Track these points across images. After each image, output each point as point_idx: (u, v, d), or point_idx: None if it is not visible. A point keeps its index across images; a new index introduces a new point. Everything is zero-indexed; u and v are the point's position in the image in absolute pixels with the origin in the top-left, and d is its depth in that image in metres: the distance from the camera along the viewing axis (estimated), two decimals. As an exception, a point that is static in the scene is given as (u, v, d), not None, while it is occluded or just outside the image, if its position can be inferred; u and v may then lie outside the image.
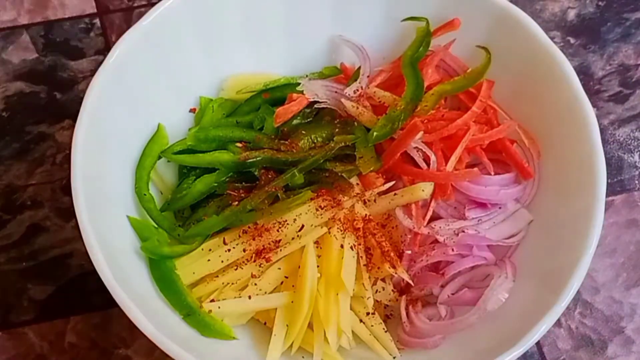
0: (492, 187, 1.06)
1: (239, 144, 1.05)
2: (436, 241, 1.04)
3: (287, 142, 1.05)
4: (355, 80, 1.10)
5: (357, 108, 1.06)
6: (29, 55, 1.31)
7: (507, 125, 1.07)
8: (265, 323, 1.02)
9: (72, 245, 1.16)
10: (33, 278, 1.15)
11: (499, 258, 1.05)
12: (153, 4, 1.02)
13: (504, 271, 1.02)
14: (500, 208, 1.06)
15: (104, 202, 0.95)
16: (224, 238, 1.00)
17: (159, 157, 1.05)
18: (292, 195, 1.01)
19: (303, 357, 1.00)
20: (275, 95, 1.12)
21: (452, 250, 1.02)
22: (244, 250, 0.99)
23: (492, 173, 1.06)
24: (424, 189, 1.02)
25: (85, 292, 1.13)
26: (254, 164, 1.03)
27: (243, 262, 1.00)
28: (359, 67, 1.11)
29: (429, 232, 1.03)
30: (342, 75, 1.15)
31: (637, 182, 1.26)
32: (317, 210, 1.01)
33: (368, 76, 1.10)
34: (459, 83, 1.09)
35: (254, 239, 0.99)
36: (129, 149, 1.03)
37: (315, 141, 1.06)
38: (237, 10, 1.08)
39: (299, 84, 1.11)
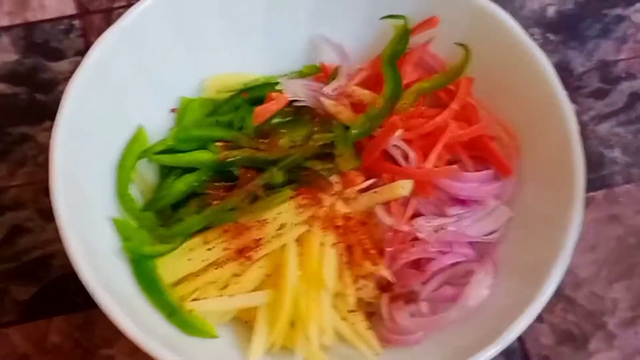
0: (472, 184, 1.06)
1: (219, 144, 1.05)
2: (417, 238, 1.04)
3: (266, 141, 1.05)
4: (335, 79, 1.10)
5: (337, 106, 1.06)
6: (10, 57, 1.31)
7: (486, 122, 1.07)
8: (247, 322, 1.02)
9: (54, 246, 1.16)
10: (15, 279, 1.14)
11: (479, 255, 1.05)
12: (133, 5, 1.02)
13: (484, 268, 1.02)
14: (480, 205, 1.07)
15: (84, 203, 0.95)
16: (204, 237, 1.00)
17: (140, 157, 1.05)
18: (272, 194, 1.02)
19: (286, 355, 1.00)
20: (255, 94, 1.11)
21: (433, 247, 1.03)
22: (225, 249, 0.99)
23: (472, 170, 1.07)
24: (404, 187, 1.02)
25: (68, 292, 1.13)
26: (233, 163, 1.03)
27: (224, 261, 0.99)
28: (338, 66, 1.11)
29: (409, 230, 1.03)
30: (321, 74, 1.15)
31: (617, 177, 1.27)
32: (297, 208, 1.01)
33: (347, 75, 1.11)
34: (438, 80, 1.09)
35: (234, 238, 0.99)
36: (109, 149, 1.03)
37: (295, 140, 1.06)
38: (217, 9, 1.08)
39: (278, 83, 1.11)
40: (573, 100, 0.99)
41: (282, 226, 1.00)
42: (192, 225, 1.01)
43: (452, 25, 1.09)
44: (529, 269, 0.97)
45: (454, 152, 1.07)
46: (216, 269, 0.99)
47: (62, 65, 1.31)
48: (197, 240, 1.01)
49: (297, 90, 1.09)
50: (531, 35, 1.04)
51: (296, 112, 1.11)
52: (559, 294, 1.16)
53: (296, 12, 1.12)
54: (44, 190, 1.18)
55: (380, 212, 1.04)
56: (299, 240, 1.01)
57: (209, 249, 0.99)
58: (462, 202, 1.06)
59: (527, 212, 1.05)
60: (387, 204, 1.04)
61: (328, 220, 1.01)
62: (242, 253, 0.99)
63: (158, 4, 1.03)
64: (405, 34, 1.09)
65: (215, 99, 1.13)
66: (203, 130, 1.07)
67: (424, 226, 1.03)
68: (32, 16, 1.35)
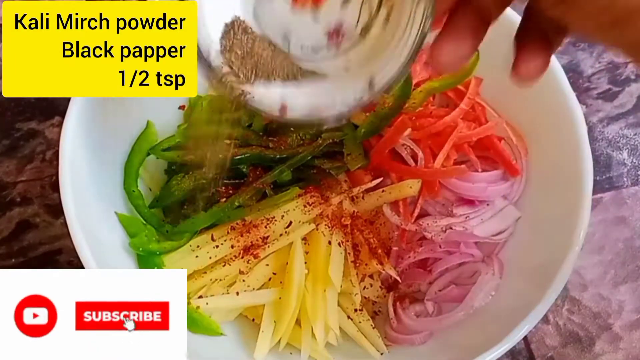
0: (480, 184, 1.06)
1: (227, 141, 1.05)
2: (424, 238, 1.04)
3: (275, 139, 1.05)
4: (344, 77, 1.10)
5: (346, 105, 1.06)
6: (19, 52, 1.31)
7: (495, 123, 1.07)
8: (253, 319, 1.02)
9: (61, 242, 1.16)
10: (22, 275, 1.14)
11: (486, 255, 1.05)
12: None
13: (491, 268, 1.02)
14: (488, 205, 1.06)
15: (92, 199, 0.95)
16: (212, 234, 1.00)
17: (148, 154, 1.05)
18: (279, 192, 1.02)
19: (291, 353, 1.00)
20: (264, 92, 1.11)
21: (440, 247, 1.03)
22: (232, 247, 0.99)
23: (480, 170, 1.07)
24: (412, 186, 1.02)
25: (74, 288, 1.13)
26: (242, 160, 1.03)
27: (231, 258, 1.00)
28: (348, 64, 1.11)
29: (416, 229, 1.03)
30: (331, 72, 1.15)
31: (625, 179, 1.26)
32: (304, 206, 1.01)
33: (357, 73, 1.10)
34: (448, 80, 1.09)
35: (242, 236, 1.00)
36: (117, 146, 1.03)
37: (304, 138, 1.05)
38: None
39: (288, 81, 1.10)
40: (582, 101, 0.99)
41: (289, 224, 1.00)
42: (199, 223, 1.01)
43: (461, 25, 1.09)
44: (536, 270, 0.97)
45: (462, 152, 1.07)
46: (223, 266, 0.99)
47: (72, 61, 1.30)
48: (204, 237, 1.01)
49: (307, 89, 1.09)
50: (541, 35, 1.04)
51: (305, 111, 1.10)
52: (565, 295, 1.17)
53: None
54: (51, 186, 1.19)
55: (388, 212, 1.04)
56: (306, 239, 1.01)
57: (216, 247, 0.99)
58: (469, 202, 1.06)
59: (535, 213, 1.05)
60: (394, 203, 1.04)
61: (335, 218, 1.01)
62: (248, 251, 0.99)
63: (168, 1, 1.02)
64: (415, 33, 1.09)
65: (224, 96, 1.13)
66: (211, 128, 1.06)
67: (431, 226, 1.03)
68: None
